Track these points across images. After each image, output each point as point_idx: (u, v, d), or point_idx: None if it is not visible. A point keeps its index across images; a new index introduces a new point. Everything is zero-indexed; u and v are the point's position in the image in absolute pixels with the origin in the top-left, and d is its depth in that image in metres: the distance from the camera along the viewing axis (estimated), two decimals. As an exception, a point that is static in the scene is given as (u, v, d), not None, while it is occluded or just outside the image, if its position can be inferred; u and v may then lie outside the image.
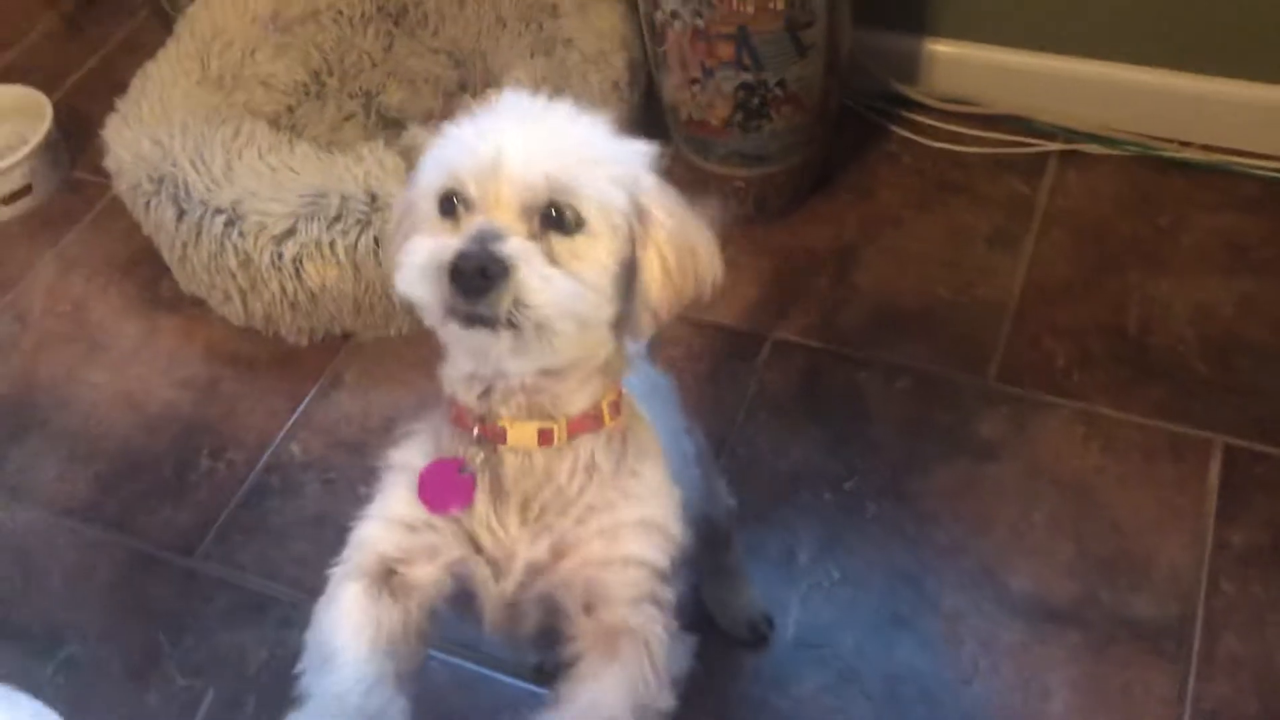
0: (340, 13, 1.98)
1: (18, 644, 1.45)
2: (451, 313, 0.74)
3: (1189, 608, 1.32)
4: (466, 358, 0.82)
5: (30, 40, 2.32)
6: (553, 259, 0.75)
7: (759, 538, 1.42)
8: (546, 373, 0.81)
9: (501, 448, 0.84)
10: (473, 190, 0.76)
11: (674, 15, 1.55)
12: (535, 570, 0.85)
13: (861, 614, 1.36)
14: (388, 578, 0.86)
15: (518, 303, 0.73)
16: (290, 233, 1.60)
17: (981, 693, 1.28)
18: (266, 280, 1.63)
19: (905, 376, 1.57)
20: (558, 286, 0.74)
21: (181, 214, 1.66)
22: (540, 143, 0.76)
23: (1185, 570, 1.35)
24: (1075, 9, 1.72)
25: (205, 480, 1.59)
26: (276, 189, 1.63)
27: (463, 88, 1.97)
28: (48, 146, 1.99)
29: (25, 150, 1.95)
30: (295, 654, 0.86)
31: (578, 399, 0.83)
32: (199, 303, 1.77)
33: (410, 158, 1.66)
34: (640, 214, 0.79)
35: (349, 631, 0.83)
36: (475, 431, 0.84)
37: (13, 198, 1.98)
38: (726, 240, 0.88)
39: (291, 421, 1.64)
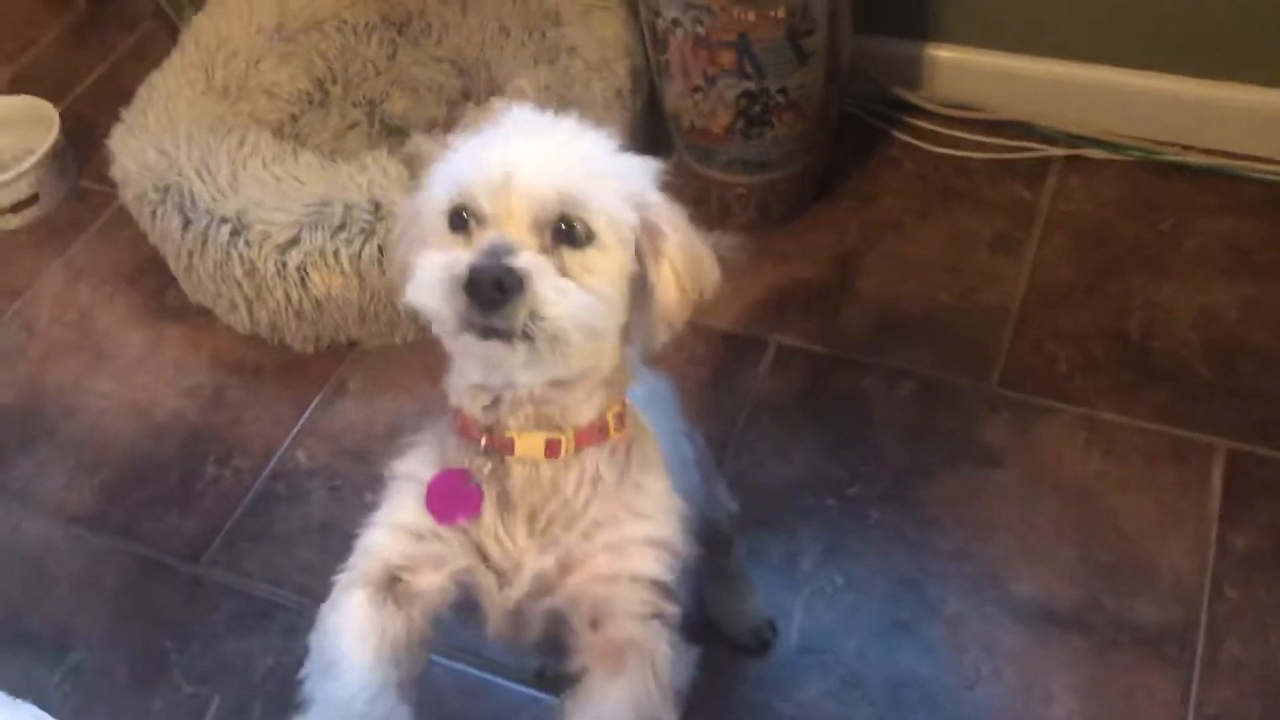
0: (344, 21, 1.99)
1: (25, 650, 1.46)
2: (467, 325, 0.75)
3: (1192, 612, 1.32)
4: (477, 369, 0.83)
5: (37, 50, 2.33)
6: (564, 272, 0.76)
7: (762, 543, 1.42)
8: (555, 384, 0.82)
9: (509, 459, 0.85)
10: (484, 205, 0.77)
11: (675, 23, 1.56)
12: (541, 581, 0.86)
13: (864, 619, 1.36)
14: (393, 585, 0.86)
15: (533, 315, 0.74)
16: (295, 241, 1.61)
17: (984, 698, 1.28)
18: (272, 289, 1.64)
19: (908, 382, 1.57)
20: (572, 299, 0.75)
21: (187, 223, 1.67)
22: (550, 157, 0.78)
23: (1188, 575, 1.35)
24: (1076, 14, 1.73)
25: (211, 488, 1.60)
26: (281, 198, 1.64)
27: (466, 96, 1.98)
28: (54, 156, 2.01)
29: (32, 160, 1.97)
30: (301, 661, 0.87)
31: (585, 410, 0.84)
32: (205, 311, 1.78)
33: (414, 166, 1.67)
34: (649, 229, 0.81)
35: (354, 638, 0.83)
36: (483, 442, 0.85)
37: (20, 207, 2.00)
38: (733, 247, 0.89)
39: (297, 429, 1.65)
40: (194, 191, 1.67)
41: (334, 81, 1.98)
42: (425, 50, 2.01)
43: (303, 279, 1.63)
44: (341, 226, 1.60)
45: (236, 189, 1.67)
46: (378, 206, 1.61)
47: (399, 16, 2.01)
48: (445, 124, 1.91)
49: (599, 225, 0.78)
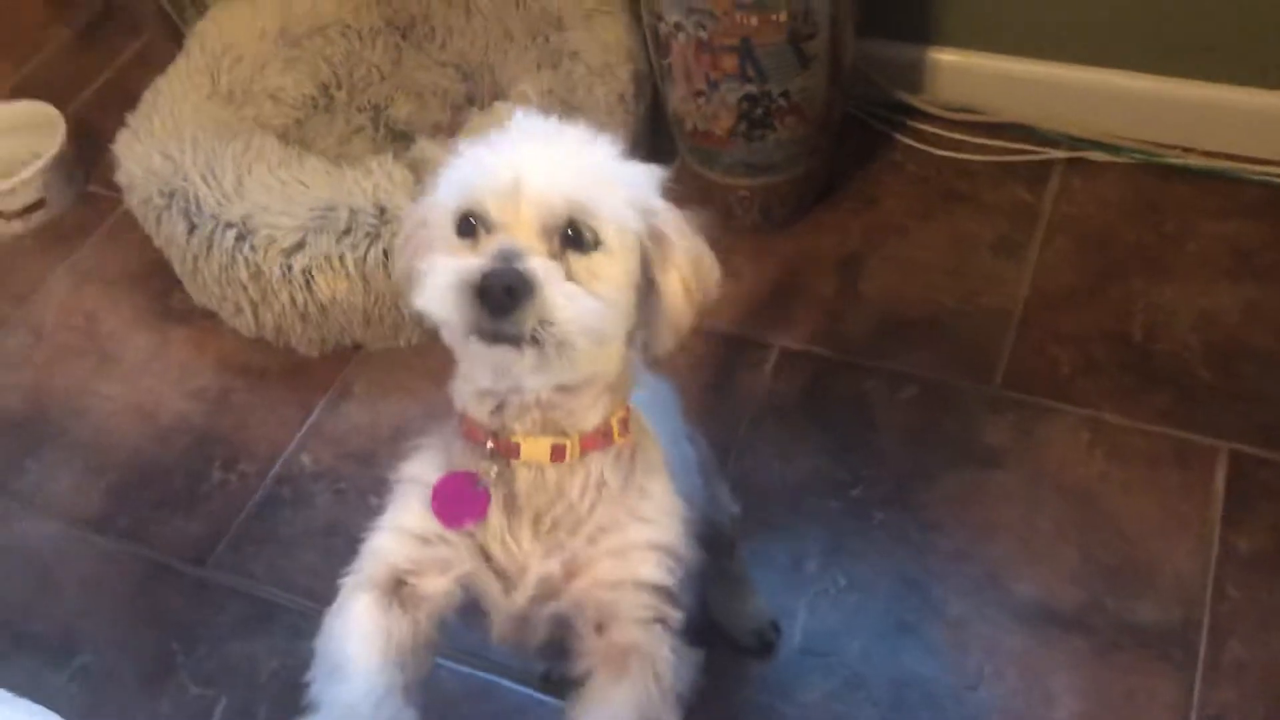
0: (349, 26, 2.00)
1: (33, 653, 1.47)
2: (476, 330, 0.76)
3: (1195, 614, 1.32)
4: (485, 374, 0.83)
5: (43, 56, 2.35)
6: (571, 277, 0.77)
7: (765, 545, 1.43)
8: (561, 389, 0.83)
9: (514, 463, 0.85)
10: (492, 211, 0.78)
11: (678, 28, 1.56)
12: (546, 585, 0.86)
13: (868, 621, 1.37)
14: (398, 589, 0.87)
15: (542, 320, 0.75)
16: (300, 246, 1.62)
17: (986, 699, 1.29)
18: (277, 292, 1.65)
19: (910, 384, 1.58)
20: (580, 304, 0.76)
21: (192, 228, 1.68)
22: (558, 164, 0.79)
23: (1191, 576, 1.35)
24: (1077, 17, 1.73)
25: (217, 491, 1.60)
26: (286, 203, 1.65)
27: (470, 100, 1.99)
28: (61, 161, 2.02)
29: (39, 165, 1.98)
30: (306, 663, 0.87)
31: (590, 415, 0.85)
32: (210, 315, 1.79)
33: (418, 170, 1.68)
34: (656, 236, 0.82)
35: (359, 641, 0.84)
36: (489, 446, 0.85)
37: (26, 211, 2.01)
38: (731, 249, 0.90)
39: (302, 432, 1.66)
40: (199, 196, 1.68)
41: (339, 86, 1.99)
42: (429, 55, 2.02)
43: (308, 283, 1.63)
44: (346, 231, 1.61)
45: (242, 193, 1.68)
46: (382, 211, 1.62)
47: (403, 21, 2.02)
48: (449, 128, 1.92)
49: (606, 231, 0.79)
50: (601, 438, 0.86)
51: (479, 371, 0.84)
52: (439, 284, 0.76)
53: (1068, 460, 1.47)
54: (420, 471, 0.89)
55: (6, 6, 2.33)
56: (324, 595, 0.90)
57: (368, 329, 1.70)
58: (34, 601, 1.52)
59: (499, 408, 0.84)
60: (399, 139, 1.97)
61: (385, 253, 1.60)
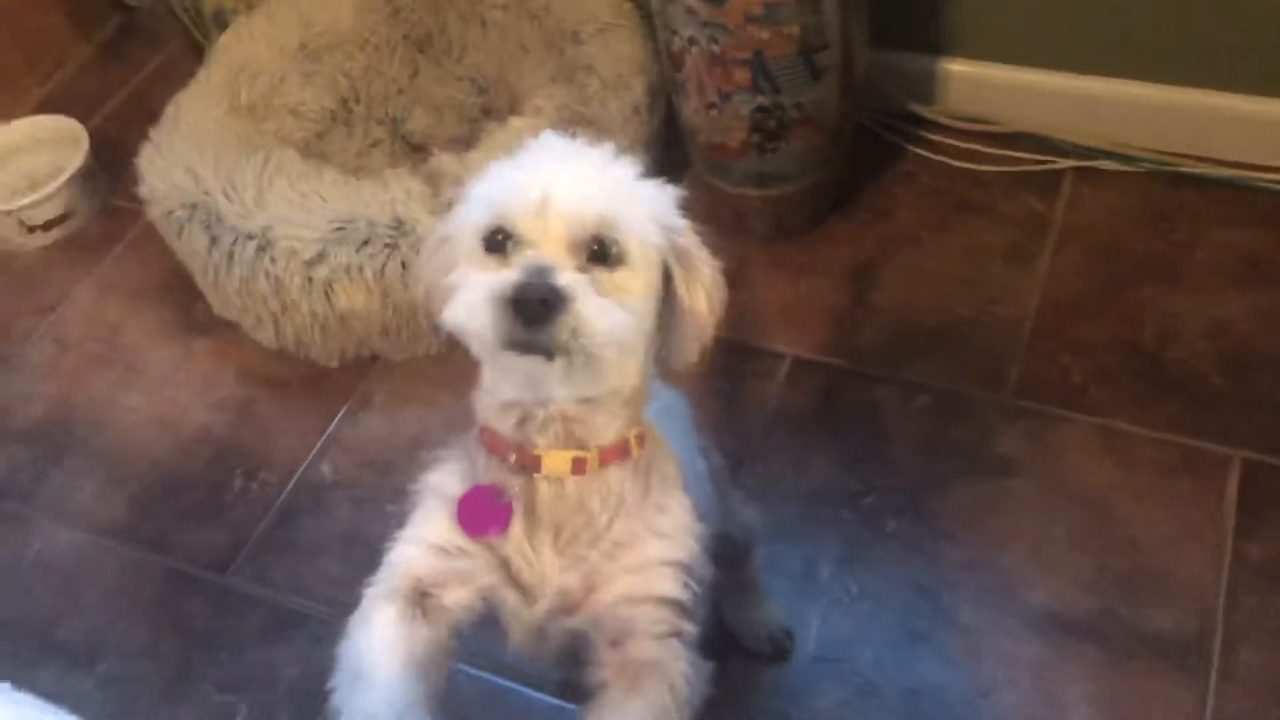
0: (366, 41, 2.02)
1: (59, 660, 1.49)
2: (510, 342, 0.78)
3: (1208, 622, 1.32)
4: (514, 386, 0.85)
5: (67, 71, 2.38)
6: (599, 291, 0.79)
7: (779, 554, 1.44)
8: (584, 401, 0.85)
9: (536, 475, 0.87)
10: (521, 226, 0.80)
11: (691, 41, 1.58)
12: (565, 599, 0.88)
13: (881, 628, 1.38)
14: (421, 600, 0.89)
15: (575, 332, 0.77)
16: (320, 258, 1.64)
17: (1000, 707, 1.29)
18: (297, 304, 1.67)
19: (923, 394, 1.59)
20: (612, 316, 0.78)
21: (214, 240, 1.71)
22: (585, 181, 0.81)
23: (1204, 585, 1.35)
24: (1089, 27, 1.74)
25: (239, 500, 1.63)
26: (306, 215, 1.67)
27: (486, 113, 2.01)
28: (85, 175, 2.05)
29: (63, 178, 2.01)
30: (326, 670, 0.89)
31: (610, 429, 0.87)
32: (232, 326, 1.82)
33: (435, 183, 1.70)
34: (680, 253, 0.85)
35: (382, 652, 0.85)
36: (512, 459, 0.87)
37: (51, 225, 2.04)
38: (744, 260, 0.92)
39: (322, 442, 1.68)
40: (220, 209, 1.71)
41: (357, 100, 2.02)
42: (446, 69, 2.04)
43: (328, 294, 1.66)
44: (365, 242, 1.63)
45: (262, 206, 1.70)
46: (400, 222, 1.64)
47: (420, 35, 2.04)
48: (466, 141, 1.94)
49: (631, 246, 0.81)
50: (620, 451, 0.87)
51: (507, 383, 0.85)
52: (472, 297, 0.78)
53: (1080, 469, 1.48)
54: (442, 483, 0.91)
55: (30, 24, 2.36)
56: (344, 603, 0.92)
57: (386, 339, 1.72)
58: (59, 610, 1.55)
59: (523, 420, 0.86)
60: (416, 151, 1.99)
61: (403, 264, 1.63)
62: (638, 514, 0.88)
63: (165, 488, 1.66)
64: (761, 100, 1.61)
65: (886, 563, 1.43)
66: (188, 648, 1.48)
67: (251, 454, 1.68)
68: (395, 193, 1.68)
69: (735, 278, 0.90)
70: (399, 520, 0.93)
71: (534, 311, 0.76)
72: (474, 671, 1.37)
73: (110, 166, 2.10)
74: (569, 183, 0.80)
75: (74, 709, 1.11)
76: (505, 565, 0.88)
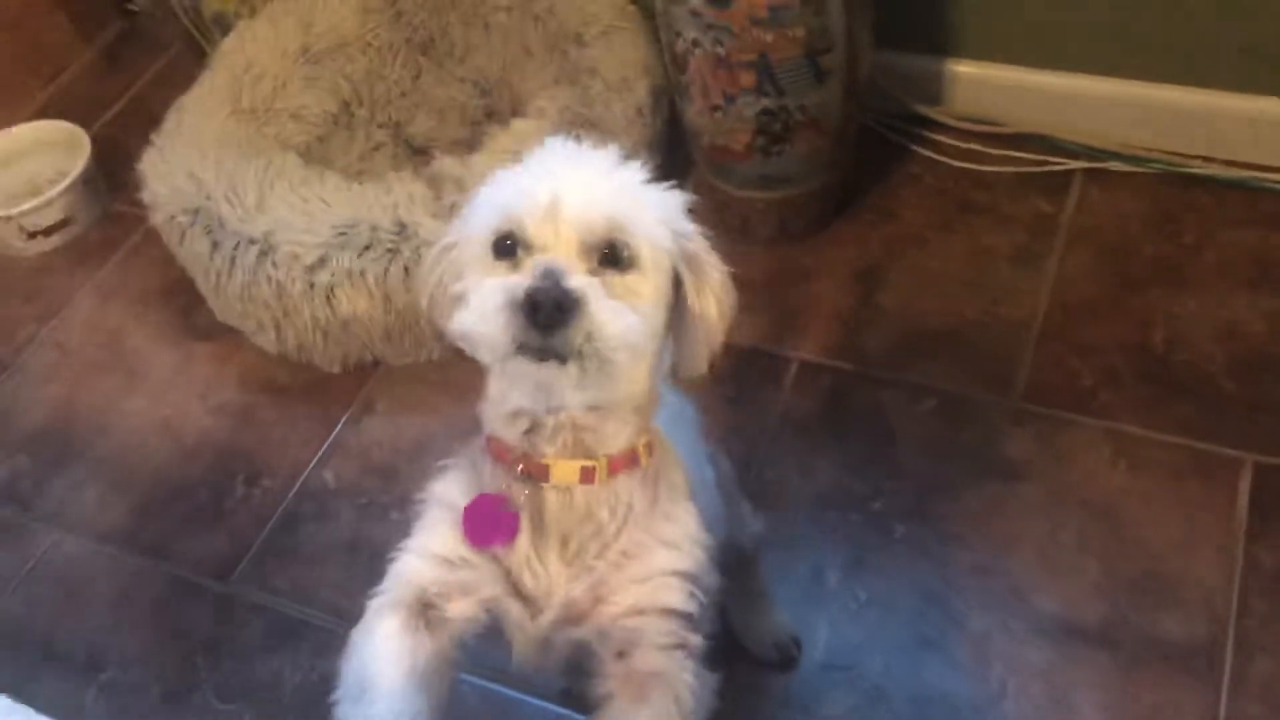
0: (369, 44, 2.02)
1: (60, 668, 1.48)
2: (522, 348, 0.77)
3: (1219, 628, 1.31)
4: (525, 393, 0.84)
5: (69, 75, 2.38)
6: (610, 295, 0.78)
7: (786, 559, 1.43)
8: (594, 409, 0.84)
9: (544, 485, 0.86)
10: (531, 231, 0.79)
11: (695, 44, 1.57)
12: (571, 609, 0.87)
13: (889, 635, 1.36)
14: (425, 612, 0.88)
15: (589, 336, 0.76)
16: (322, 262, 1.63)
17: (1010, 714, 1.28)
18: (299, 309, 1.66)
19: (930, 397, 1.58)
20: (624, 320, 0.77)
21: (216, 245, 1.70)
22: (595, 184, 0.80)
23: (1215, 590, 1.34)
24: (1095, 27, 1.73)
25: (241, 506, 1.62)
26: (308, 220, 1.66)
27: (489, 116, 2.00)
28: (86, 180, 2.04)
29: (64, 184, 2.01)
30: (329, 679, 0.89)
31: (620, 437, 0.86)
32: (233, 331, 1.81)
33: (438, 186, 1.69)
34: (690, 258, 0.84)
35: (386, 664, 0.85)
36: (519, 468, 0.86)
37: (52, 230, 2.04)
38: (749, 262, 0.91)
39: (324, 448, 1.67)
40: (222, 214, 1.70)
41: (359, 103, 2.01)
42: (449, 71, 2.04)
43: (329, 299, 1.65)
44: (368, 247, 1.63)
45: (264, 211, 1.69)
46: (403, 226, 1.63)
47: (422, 38, 2.03)
48: (468, 144, 1.93)
49: (642, 250, 0.80)
50: (629, 460, 0.87)
51: (517, 391, 0.84)
52: (485, 303, 0.77)
53: (1089, 473, 1.46)
54: (448, 492, 0.90)
55: (32, 27, 2.36)
56: (348, 611, 0.91)
57: (389, 344, 1.71)
58: (61, 617, 1.54)
59: (531, 429, 0.85)
60: (418, 155, 1.99)
61: (406, 269, 1.62)
62: (645, 523, 0.87)
63: (167, 494, 1.65)
64: (766, 103, 1.60)
65: (894, 568, 1.42)
66: (189, 656, 1.47)
67: (253, 460, 1.67)
68: (398, 196, 1.67)
69: (739, 281, 0.89)
70: (402, 527, 0.93)
71: (548, 315, 0.75)
72: (479, 681, 1.36)
73: (112, 171, 2.10)
74: (579, 186, 0.79)
75: (75, 717, 1.10)
76: (510, 576, 0.87)
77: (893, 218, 1.81)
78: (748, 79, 1.57)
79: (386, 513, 1.56)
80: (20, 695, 1.28)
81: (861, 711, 1.30)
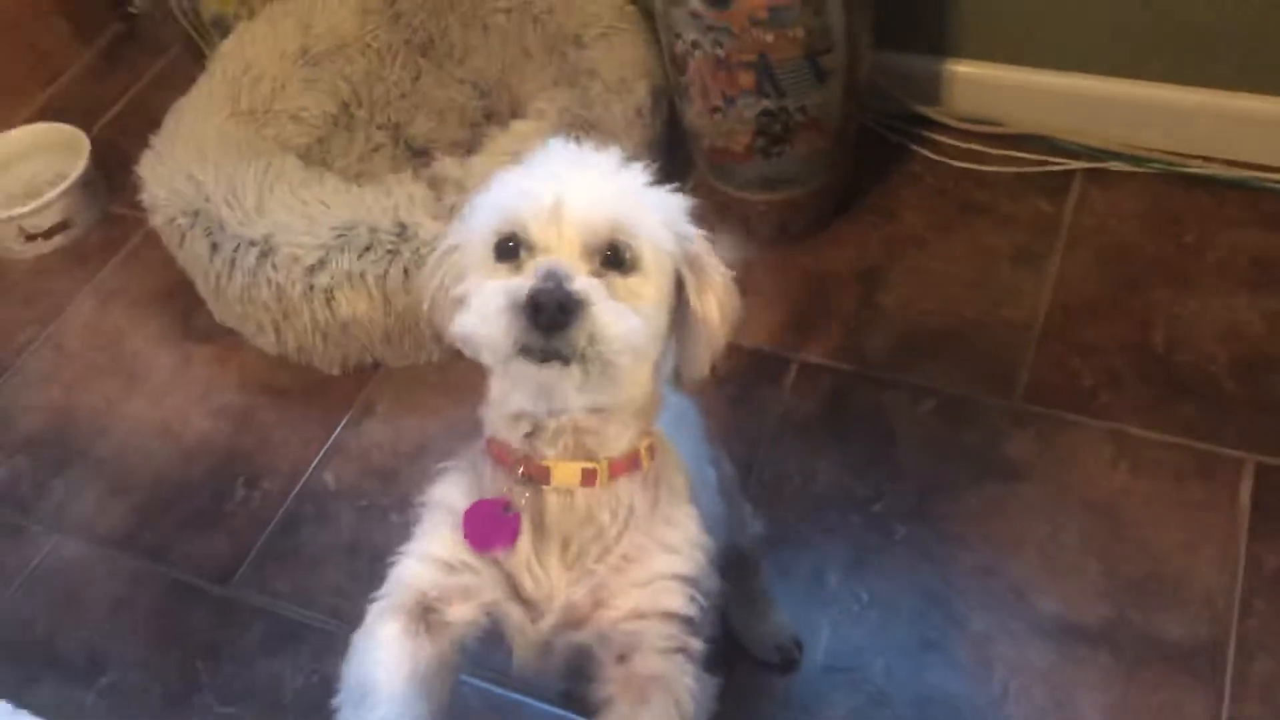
0: (368, 45, 2.02)
1: (60, 671, 1.48)
2: (525, 350, 0.76)
3: (1222, 629, 1.31)
4: (527, 395, 0.83)
5: (67, 78, 2.37)
6: (613, 297, 0.78)
7: (787, 561, 1.42)
8: (596, 411, 0.84)
9: (544, 487, 0.86)
10: (534, 233, 0.79)
11: (695, 45, 1.57)
12: (572, 613, 0.87)
13: (891, 636, 1.36)
14: (425, 616, 0.87)
15: (592, 338, 0.75)
16: (322, 264, 1.63)
17: (1012, 715, 1.28)
18: (299, 311, 1.66)
19: (931, 398, 1.57)
20: (627, 322, 0.77)
21: (215, 247, 1.69)
22: (598, 186, 0.80)
23: (1217, 591, 1.34)
24: (1096, 27, 1.73)
25: (241, 509, 1.62)
26: (308, 222, 1.66)
27: (488, 117, 2.00)
28: (85, 182, 2.04)
29: (63, 186, 2.00)
30: (330, 682, 0.88)
31: (622, 440, 0.86)
32: (233, 334, 1.81)
33: (437, 187, 1.69)
34: (692, 261, 0.84)
35: (387, 668, 0.84)
36: (520, 471, 0.86)
37: (51, 232, 2.03)
38: (749, 264, 0.91)
39: (325, 450, 1.67)
40: (222, 216, 1.70)
41: (359, 105, 2.01)
42: (448, 72, 2.03)
43: (329, 301, 1.65)
44: (367, 249, 1.62)
45: (264, 213, 1.69)
46: (403, 228, 1.63)
47: (422, 39, 2.03)
48: (468, 145, 1.93)
49: (644, 251, 0.80)
50: (630, 463, 0.86)
51: (519, 394, 0.84)
52: (487, 305, 0.77)
53: (1091, 474, 1.46)
54: (448, 495, 0.90)
55: (30, 29, 2.36)
56: (348, 614, 0.91)
57: (389, 346, 1.71)
58: (61, 621, 1.54)
59: (533, 431, 0.85)
60: (418, 156, 1.98)
61: (405, 270, 1.61)
62: (646, 527, 0.87)
63: (167, 497, 1.65)
64: (766, 104, 1.60)
65: (896, 569, 1.42)
66: (190, 659, 1.47)
67: (253, 462, 1.67)
68: (398, 198, 1.67)
69: (740, 282, 0.89)
70: (403, 530, 0.92)
71: (551, 317, 0.74)
72: (480, 684, 1.36)
73: (111, 173, 2.09)
74: (581, 188, 0.79)
75: (75, 721, 1.10)
76: (510, 580, 0.87)
77: (893, 218, 1.81)
78: (747, 80, 1.57)
79: (387, 515, 1.56)
80: (20, 698, 1.28)
81: (863, 713, 1.30)
